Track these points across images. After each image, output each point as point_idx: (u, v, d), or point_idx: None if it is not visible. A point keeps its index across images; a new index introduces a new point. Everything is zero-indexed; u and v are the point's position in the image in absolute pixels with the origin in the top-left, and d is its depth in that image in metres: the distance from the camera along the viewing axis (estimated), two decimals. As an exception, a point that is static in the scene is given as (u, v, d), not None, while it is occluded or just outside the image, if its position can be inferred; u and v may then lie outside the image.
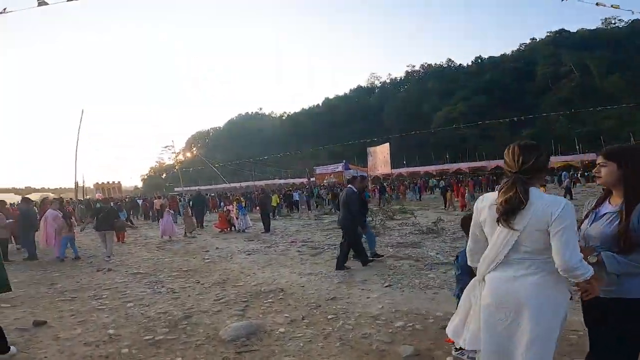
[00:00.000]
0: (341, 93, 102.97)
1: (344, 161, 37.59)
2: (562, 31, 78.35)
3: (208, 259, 8.10)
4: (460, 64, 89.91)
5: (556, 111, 43.32)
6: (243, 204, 13.45)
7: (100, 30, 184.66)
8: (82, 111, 23.70)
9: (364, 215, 7.33)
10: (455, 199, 17.03)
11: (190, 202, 18.27)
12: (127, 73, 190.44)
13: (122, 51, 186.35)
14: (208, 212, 23.14)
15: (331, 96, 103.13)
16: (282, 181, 53.58)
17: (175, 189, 60.49)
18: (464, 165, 40.03)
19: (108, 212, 9.54)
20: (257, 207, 13.39)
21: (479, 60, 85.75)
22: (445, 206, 17.04)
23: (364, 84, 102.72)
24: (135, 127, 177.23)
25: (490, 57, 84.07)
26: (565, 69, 63.57)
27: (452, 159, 47.64)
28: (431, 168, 42.76)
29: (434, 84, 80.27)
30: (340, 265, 6.38)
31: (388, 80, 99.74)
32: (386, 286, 5.25)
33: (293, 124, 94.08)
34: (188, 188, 58.86)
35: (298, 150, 48.95)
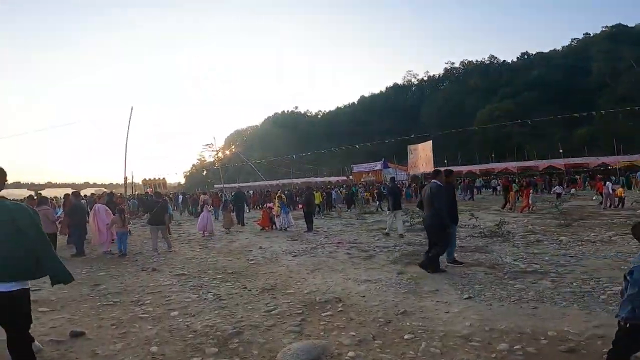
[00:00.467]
0: (377, 91, 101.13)
1: (383, 159, 36.38)
2: (619, 26, 72.22)
3: (252, 260, 7.56)
4: (504, 60, 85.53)
5: (614, 108, 39.66)
6: (285, 201, 12.87)
7: (151, 32, 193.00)
8: (132, 108, 24.10)
9: (455, 215, 6.34)
10: (518, 200, 15.66)
11: (230, 199, 18.05)
12: (171, 73, 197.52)
13: (168, 52, 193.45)
14: (248, 209, 23.07)
15: (366, 94, 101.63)
16: (318, 179, 53.10)
17: (215, 186, 61.70)
18: (512, 165, 37.49)
19: (161, 207, 9.45)
20: (300, 206, 12.70)
21: (525, 57, 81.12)
22: (503, 206, 15.69)
23: (400, 81, 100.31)
24: (178, 125, 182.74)
25: (538, 53, 79.21)
26: (625, 65, 58.37)
27: (498, 157, 44.93)
28: (475, 167, 40.43)
29: (476, 81, 76.76)
30: (437, 268, 5.63)
31: (426, 78, 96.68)
32: (466, 298, 4.47)
33: (328, 122, 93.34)
34: (227, 185, 59.90)
35: (333, 148, 48.16)
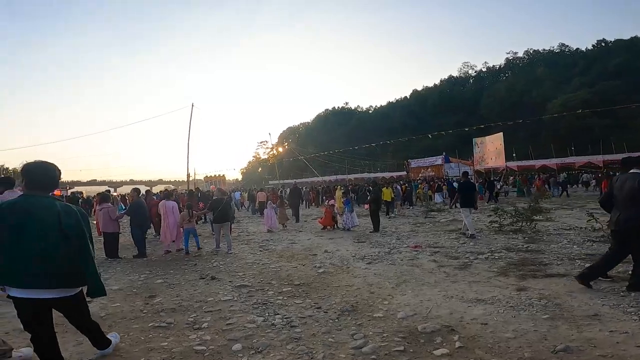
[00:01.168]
0: (430, 84, 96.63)
1: (444, 154, 33.75)
2: None
3: (320, 267, 6.44)
4: (577, 48, 77.50)
5: None
6: (350, 197, 11.64)
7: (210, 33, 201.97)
8: (192, 105, 24.16)
9: None
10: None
11: (286, 195, 17.27)
12: (227, 73, 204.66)
13: (223, 52, 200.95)
14: (306, 205, 22.24)
15: (419, 88, 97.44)
16: (371, 175, 51.32)
17: (270, 182, 62.37)
18: (597, 159, 32.88)
19: (226, 204, 8.72)
20: (366, 206, 11.22)
21: (602, 44, 72.69)
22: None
23: (455, 73, 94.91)
24: (235, 123, 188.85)
25: (618, 40, 70.43)
26: None
27: (578, 151, 39.93)
28: (551, 162, 36.08)
29: (544, 71, 70.20)
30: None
31: (485, 69, 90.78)
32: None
33: (380, 117, 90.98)
34: (282, 181, 60.23)
35: (391, 140, 45.93)
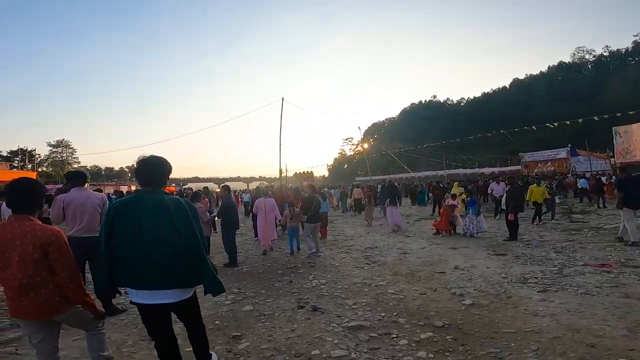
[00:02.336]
0: (535, 72, 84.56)
1: (569, 146, 27.87)
2: None
3: (462, 294, 4.40)
4: None
5: None
6: (475, 196, 9.12)
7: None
8: (282, 99, 23.45)
9: None
10: None
11: (379, 193, 15.19)
12: (310, 72, 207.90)
13: (305, 50, 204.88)
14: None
15: (521, 76, 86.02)
16: (467, 171, 46.18)
17: (357, 179, 60.89)
18: None
19: (319, 202, 7.93)
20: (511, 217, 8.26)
21: None
22: None
23: (567, 59, 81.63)
24: (320, 120, 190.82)
25: None
26: None
27: None
28: None
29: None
30: None
31: (607, 54, 76.45)
32: None
33: (474, 109, 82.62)
34: (372, 177, 58.16)
35: (499, 130, 40.51)
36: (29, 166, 55.12)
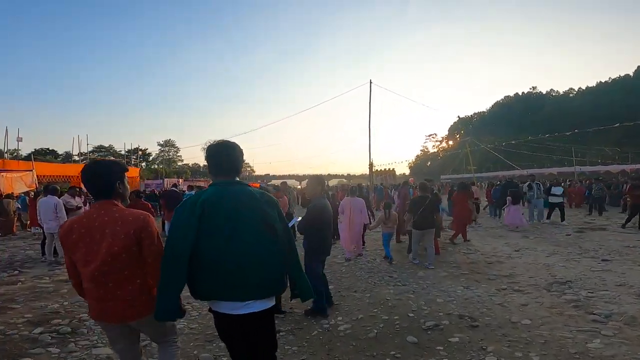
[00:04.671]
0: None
1: None
2: None
3: None
4: None
5: None
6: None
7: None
8: (370, 82, 21.77)
9: None
10: None
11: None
12: (398, 61, 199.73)
13: (387, 42, 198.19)
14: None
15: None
16: (581, 168, 39.12)
17: (442, 177, 56.62)
18: None
19: (430, 203, 6.39)
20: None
21: None
22: None
23: None
24: (405, 113, 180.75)
25: None
26: None
27: None
28: None
29: None
30: None
31: None
32: None
33: (586, 100, 70.94)
34: (455, 176, 53.58)
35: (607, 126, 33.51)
36: (143, 164, 62.52)
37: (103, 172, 1.95)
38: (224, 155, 2.00)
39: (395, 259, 6.84)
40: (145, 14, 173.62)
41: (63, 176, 18.78)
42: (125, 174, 2.05)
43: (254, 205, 1.91)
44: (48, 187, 7.28)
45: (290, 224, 3.24)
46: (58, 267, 6.67)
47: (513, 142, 37.86)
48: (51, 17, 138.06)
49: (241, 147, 2.07)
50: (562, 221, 11.01)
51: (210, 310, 1.94)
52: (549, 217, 11.55)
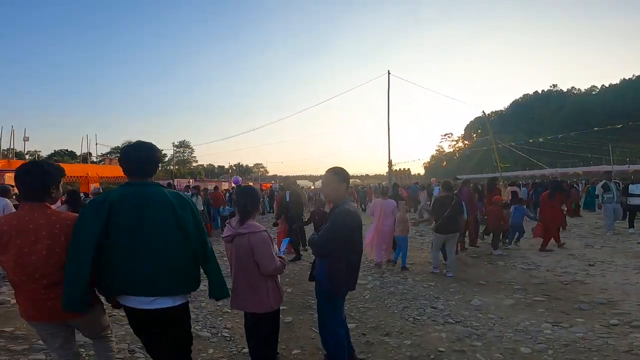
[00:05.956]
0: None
1: None
2: None
3: None
4: None
5: None
6: None
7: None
8: (388, 72, 20.17)
9: None
10: None
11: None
12: (412, 61, 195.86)
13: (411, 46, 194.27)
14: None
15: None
16: (604, 167, 36.29)
17: (458, 177, 54.39)
18: None
19: (455, 205, 5.63)
20: None
21: None
22: None
23: None
24: (418, 113, 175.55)
25: None
26: None
27: None
28: None
29: None
30: None
31: None
32: None
33: (609, 98, 67.39)
34: (471, 176, 51.23)
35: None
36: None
37: (40, 174, 1.93)
38: (132, 157, 2.00)
39: (416, 269, 5.32)
40: (159, 15, 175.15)
41: (68, 176, 17.76)
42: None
43: (162, 205, 1.90)
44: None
45: (281, 252, 2.64)
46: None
47: (541, 140, 35.42)
48: (67, 19, 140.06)
49: (157, 147, 2.09)
50: (630, 228, 8.98)
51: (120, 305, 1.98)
52: (631, 225, 9.03)
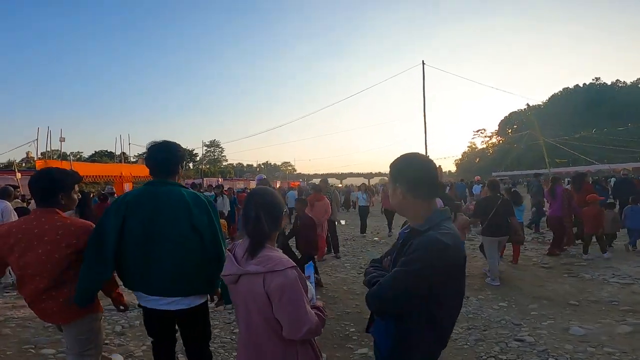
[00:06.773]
0: None
1: None
2: None
3: None
4: None
5: None
6: None
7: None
8: (423, 63, 18.93)
9: None
10: None
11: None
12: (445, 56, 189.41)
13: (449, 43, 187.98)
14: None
15: None
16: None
17: (493, 174, 51.88)
18: None
19: (504, 205, 5.08)
20: None
21: None
22: None
23: None
24: (449, 112, 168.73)
25: None
26: None
27: None
28: None
29: None
30: None
31: None
32: None
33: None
34: (509, 172, 48.45)
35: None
36: (190, 164, 63.33)
37: (48, 181, 1.98)
38: (153, 157, 2.05)
39: (475, 283, 4.28)
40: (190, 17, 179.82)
41: (98, 176, 17.78)
42: (75, 186, 2.08)
43: (176, 205, 1.92)
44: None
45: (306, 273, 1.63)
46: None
47: (594, 134, 32.70)
48: (99, 22, 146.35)
49: (180, 146, 2.11)
50: None
51: (138, 305, 2.04)
52: None
